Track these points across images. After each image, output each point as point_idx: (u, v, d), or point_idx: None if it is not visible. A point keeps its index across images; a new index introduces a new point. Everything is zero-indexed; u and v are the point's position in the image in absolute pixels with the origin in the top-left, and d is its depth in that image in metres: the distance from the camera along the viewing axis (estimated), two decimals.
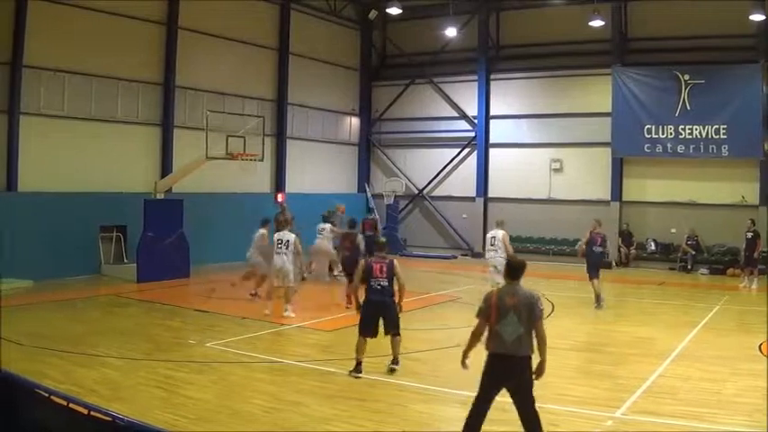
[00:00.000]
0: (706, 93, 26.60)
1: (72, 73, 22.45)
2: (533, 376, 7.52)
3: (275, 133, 29.82)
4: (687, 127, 27.05)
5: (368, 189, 34.57)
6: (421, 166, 34.01)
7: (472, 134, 32.51)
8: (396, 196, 32.78)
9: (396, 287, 11.57)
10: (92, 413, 5.85)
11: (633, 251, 28.62)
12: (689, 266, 27.02)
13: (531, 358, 7.50)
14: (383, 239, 12.59)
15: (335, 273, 21.57)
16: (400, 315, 11.63)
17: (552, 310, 17.29)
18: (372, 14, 33.02)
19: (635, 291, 22.77)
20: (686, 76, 27.02)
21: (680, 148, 27.26)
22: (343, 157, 34.49)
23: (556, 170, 30.62)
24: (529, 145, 31.39)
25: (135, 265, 21.56)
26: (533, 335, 7.48)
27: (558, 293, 19.98)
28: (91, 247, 22.27)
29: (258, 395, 10.19)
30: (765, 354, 13.10)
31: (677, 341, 14.26)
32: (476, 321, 7.74)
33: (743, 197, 26.66)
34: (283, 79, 30.20)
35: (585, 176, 30.05)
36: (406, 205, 34.06)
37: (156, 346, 13.39)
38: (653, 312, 18.38)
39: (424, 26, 32.87)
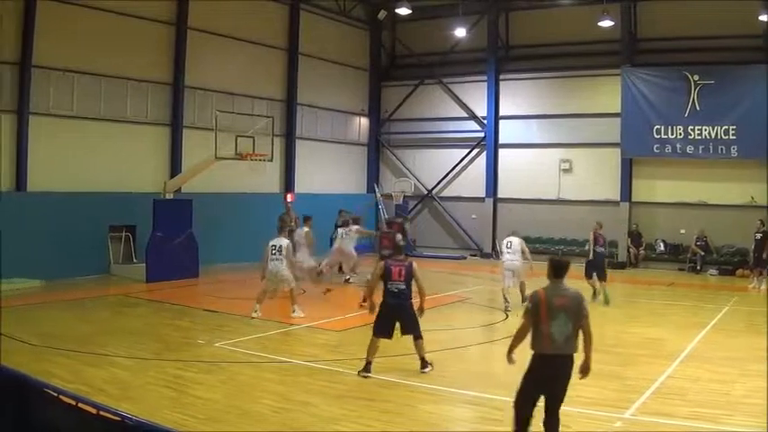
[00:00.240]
0: (715, 93, 26.52)
1: (81, 73, 22.50)
2: (579, 375, 7.58)
3: (284, 133, 29.83)
4: (696, 127, 26.97)
5: (377, 189, 34.55)
6: (430, 166, 33.99)
7: (481, 134, 32.48)
8: (405, 197, 32.75)
9: (414, 289, 11.62)
10: (101, 413, 5.85)
11: (642, 252, 28.58)
12: (698, 267, 26.94)
13: (573, 357, 7.56)
14: (402, 242, 12.66)
15: (348, 276, 21.57)
16: (420, 318, 11.66)
17: None
18: (382, 15, 33.01)
19: (644, 291, 22.71)
20: (696, 77, 26.93)
21: (689, 149, 27.18)
22: (353, 158, 34.49)
23: (565, 170, 30.57)
24: (538, 145, 31.35)
25: (144, 264, 21.61)
26: (578, 334, 7.53)
27: None
28: (100, 246, 22.32)
29: (267, 395, 10.20)
30: None
31: (686, 342, 14.23)
32: (521, 321, 7.74)
33: (752, 198, 26.53)
34: (292, 79, 30.21)
35: (595, 177, 29.98)
36: (416, 206, 34.04)
37: (166, 345, 13.42)
38: (662, 313, 18.33)
39: (433, 26, 32.85)
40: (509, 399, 7.60)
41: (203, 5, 25.78)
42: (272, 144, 23.32)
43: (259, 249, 16.81)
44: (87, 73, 22.66)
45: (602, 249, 19.47)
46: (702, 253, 27.01)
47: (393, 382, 11.00)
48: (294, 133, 30.36)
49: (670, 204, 28.49)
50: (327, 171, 32.40)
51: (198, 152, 23.43)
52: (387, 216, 31.14)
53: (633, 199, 29.18)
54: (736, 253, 26.79)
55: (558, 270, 7.76)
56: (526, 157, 31.63)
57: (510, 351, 7.84)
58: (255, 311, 15.95)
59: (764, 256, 22.61)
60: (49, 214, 20.70)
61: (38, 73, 21.37)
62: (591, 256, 19.38)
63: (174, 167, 25.05)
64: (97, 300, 18.47)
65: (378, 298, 11.70)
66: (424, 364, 11.53)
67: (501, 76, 32.13)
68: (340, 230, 20.71)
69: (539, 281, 7.83)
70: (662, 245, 28.54)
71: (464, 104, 33.18)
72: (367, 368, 11.25)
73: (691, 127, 27.07)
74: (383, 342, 11.44)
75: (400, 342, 11.74)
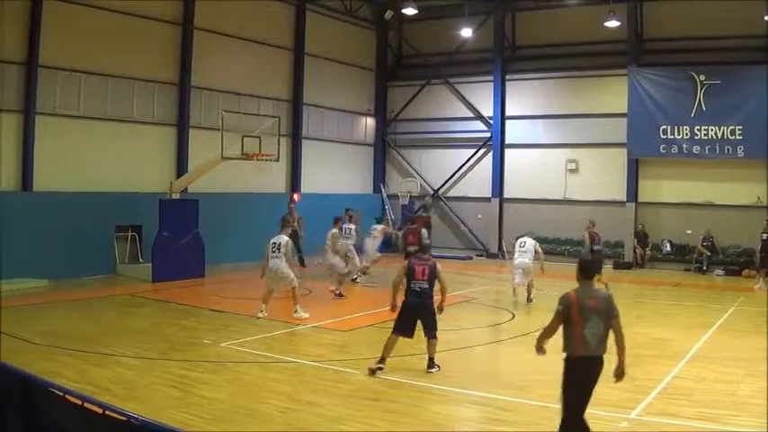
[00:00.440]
0: (722, 93, 26.47)
1: (88, 73, 22.55)
2: (614, 379, 7.65)
3: (290, 133, 29.84)
4: (703, 127, 26.93)
5: (383, 190, 34.55)
6: (436, 166, 33.96)
7: (488, 135, 32.46)
8: (411, 197, 32.78)
9: (436, 288, 11.74)
10: (107, 412, 5.86)
11: (648, 252, 28.53)
12: (704, 267, 26.87)
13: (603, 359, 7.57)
14: (427, 241, 12.69)
15: (355, 276, 21.58)
16: (439, 317, 11.75)
17: None
18: (388, 15, 33.08)
19: (651, 292, 22.64)
20: (702, 77, 26.89)
21: (695, 149, 27.14)
22: (359, 158, 34.50)
23: (571, 171, 30.53)
24: (544, 145, 31.33)
25: (150, 264, 21.64)
26: (608, 334, 7.55)
27: None
28: (106, 246, 22.37)
29: (273, 395, 10.21)
30: None
31: (692, 342, 14.22)
32: (550, 320, 7.70)
33: (758, 198, 26.47)
34: (299, 79, 30.24)
35: (601, 177, 29.94)
36: (422, 206, 33.99)
37: (171, 345, 13.44)
38: (668, 313, 18.29)
39: (439, 26, 32.87)
40: (515, 399, 7.61)
41: (209, 5, 25.80)
42: (279, 144, 23.33)
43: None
44: (94, 73, 22.69)
45: (600, 247, 19.53)
46: (708, 253, 26.95)
47: (399, 382, 11.00)
48: (300, 133, 30.38)
49: (676, 205, 28.44)
50: (334, 171, 32.41)
51: (204, 152, 23.49)
52: (392, 216, 31.17)
53: (639, 199, 29.12)
54: (742, 253, 26.72)
55: (587, 270, 7.74)
56: (532, 158, 31.60)
57: (539, 343, 7.83)
58: (261, 311, 15.91)
59: None
60: (56, 214, 20.75)
61: (44, 73, 21.41)
62: (588, 254, 19.37)
63: (181, 167, 25.09)
64: (103, 299, 18.50)
65: (400, 297, 11.73)
66: (432, 364, 11.55)
67: (507, 77, 32.10)
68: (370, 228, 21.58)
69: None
70: (668, 245, 28.48)
71: (470, 104, 33.15)
72: (382, 361, 11.27)
73: (697, 127, 27.02)
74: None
75: (407, 342, 11.73)
